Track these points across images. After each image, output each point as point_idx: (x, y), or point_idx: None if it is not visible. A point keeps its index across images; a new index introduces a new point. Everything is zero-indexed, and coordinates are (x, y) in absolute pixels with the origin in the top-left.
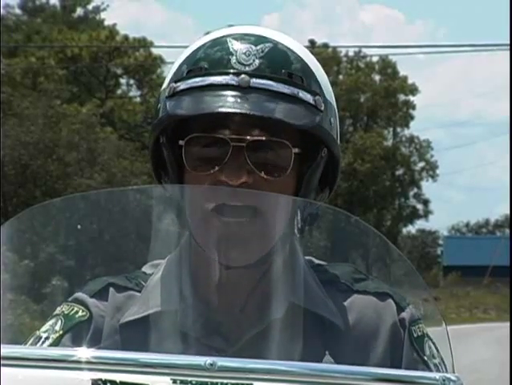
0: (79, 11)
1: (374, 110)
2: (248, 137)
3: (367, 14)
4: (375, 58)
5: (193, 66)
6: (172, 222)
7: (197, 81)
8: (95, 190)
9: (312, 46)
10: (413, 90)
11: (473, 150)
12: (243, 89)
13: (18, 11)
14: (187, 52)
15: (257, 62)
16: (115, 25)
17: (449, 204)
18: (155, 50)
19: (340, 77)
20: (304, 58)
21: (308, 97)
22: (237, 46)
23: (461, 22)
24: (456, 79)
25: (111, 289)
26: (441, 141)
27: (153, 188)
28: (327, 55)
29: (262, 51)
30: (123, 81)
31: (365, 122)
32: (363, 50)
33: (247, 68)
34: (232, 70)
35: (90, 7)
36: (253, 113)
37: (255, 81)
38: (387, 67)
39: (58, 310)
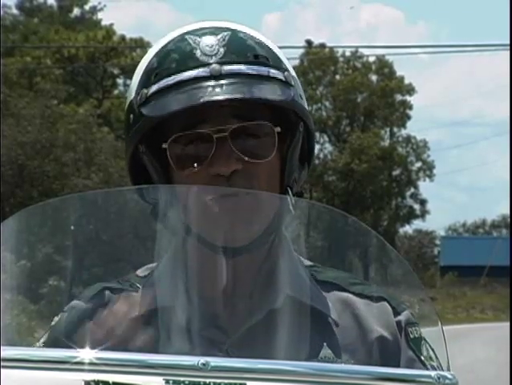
0: (76, 11)
1: (371, 110)
2: (228, 126)
3: (369, 13)
4: (371, 58)
5: (160, 68)
6: (170, 222)
7: (169, 80)
8: (92, 190)
9: (309, 46)
10: (410, 90)
11: (475, 149)
12: (216, 78)
13: (15, 11)
14: (146, 61)
15: (221, 50)
16: (112, 25)
17: (447, 204)
18: None
19: (337, 77)
20: (262, 40)
21: (279, 74)
22: (197, 39)
23: (464, 22)
24: (458, 79)
25: (107, 292)
26: (443, 141)
27: (150, 189)
28: (324, 55)
29: (224, 40)
30: (120, 81)
31: (362, 122)
32: (362, 50)
33: (214, 58)
34: (200, 63)
35: (87, 7)
36: (233, 97)
37: (226, 68)
38: (384, 67)
39: (54, 321)
